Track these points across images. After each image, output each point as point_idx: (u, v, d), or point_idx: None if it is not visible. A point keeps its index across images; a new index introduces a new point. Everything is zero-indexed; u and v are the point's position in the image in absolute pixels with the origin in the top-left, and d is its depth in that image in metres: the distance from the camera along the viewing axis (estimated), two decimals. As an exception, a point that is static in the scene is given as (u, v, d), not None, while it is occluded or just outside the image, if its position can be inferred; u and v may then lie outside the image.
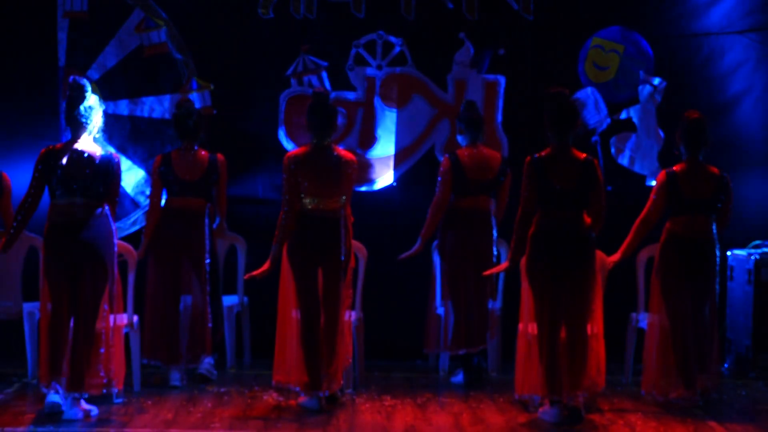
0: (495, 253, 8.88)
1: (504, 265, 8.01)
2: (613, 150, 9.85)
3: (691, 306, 8.13)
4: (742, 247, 9.52)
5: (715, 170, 8.22)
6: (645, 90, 9.82)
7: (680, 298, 8.14)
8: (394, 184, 9.96)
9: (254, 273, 7.98)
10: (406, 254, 9.03)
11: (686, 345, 8.10)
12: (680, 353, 8.11)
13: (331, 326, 7.95)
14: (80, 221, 7.61)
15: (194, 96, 9.78)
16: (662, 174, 8.25)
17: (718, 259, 8.24)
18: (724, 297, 9.42)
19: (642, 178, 9.84)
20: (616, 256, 8.41)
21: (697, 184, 8.15)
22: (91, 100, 7.77)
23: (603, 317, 7.89)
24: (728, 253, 9.48)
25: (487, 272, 8.13)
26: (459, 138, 9.02)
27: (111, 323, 7.76)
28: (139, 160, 9.80)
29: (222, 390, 8.54)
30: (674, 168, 8.23)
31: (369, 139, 9.94)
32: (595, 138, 9.78)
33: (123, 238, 8.94)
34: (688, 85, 9.87)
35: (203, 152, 8.87)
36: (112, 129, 9.77)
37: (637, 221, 8.32)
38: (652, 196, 8.27)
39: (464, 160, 8.87)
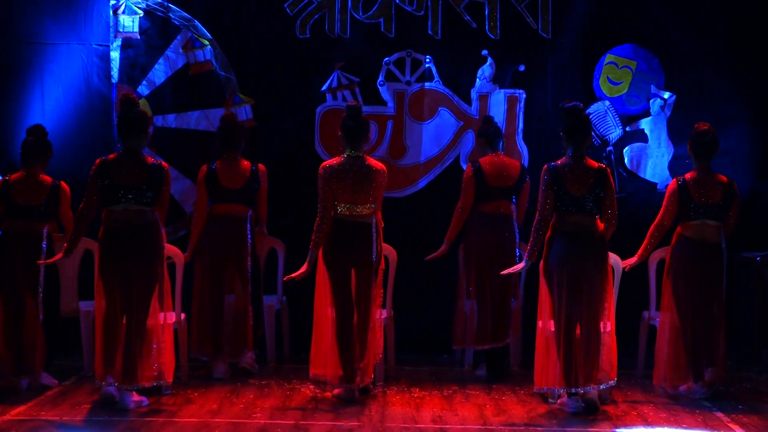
0: (518, 254, 8.85)
1: (520, 265, 7.99)
2: (626, 159, 9.82)
3: (700, 305, 8.13)
4: (748, 250, 9.51)
5: (723, 178, 8.21)
6: (656, 103, 9.81)
7: (690, 297, 8.14)
8: (422, 190, 9.98)
9: (293, 275, 8.00)
10: (432, 255, 9.04)
11: (695, 341, 8.10)
12: (689, 349, 8.11)
13: (364, 323, 7.98)
14: (133, 226, 7.68)
15: (237, 110, 9.80)
16: (673, 182, 8.24)
17: (725, 261, 8.22)
18: (731, 296, 9.32)
19: (653, 186, 9.83)
20: (633, 260, 8.40)
21: (706, 191, 8.15)
22: (141, 114, 7.84)
23: (616, 315, 7.86)
24: (735, 255, 9.45)
25: (504, 272, 8.09)
26: (482, 148, 9.05)
27: (161, 320, 7.82)
28: (185, 170, 9.82)
29: (263, 382, 8.57)
30: (685, 176, 8.22)
31: (398, 150, 9.93)
32: (609, 148, 9.79)
33: (171, 242, 8.95)
34: (697, 98, 9.85)
35: (245, 162, 8.91)
36: (161, 141, 9.83)
37: (652, 227, 8.32)
38: (664, 203, 8.27)
39: (486, 167, 8.89)
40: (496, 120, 9.27)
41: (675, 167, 9.66)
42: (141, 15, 9.86)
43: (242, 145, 8.94)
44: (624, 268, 8.48)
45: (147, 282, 7.72)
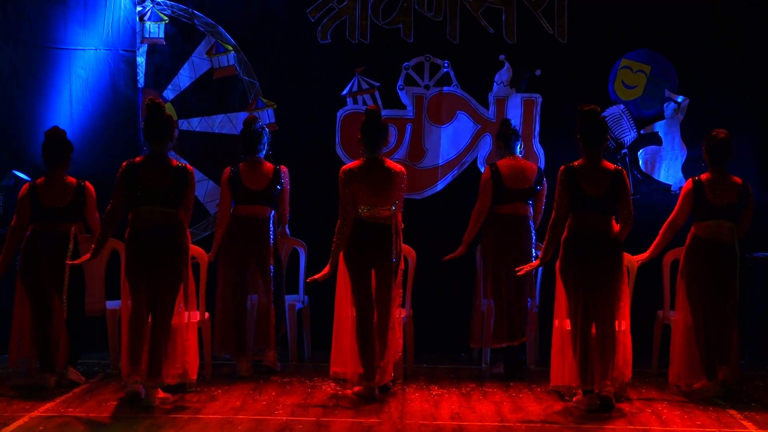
0: (534, 255, 8.82)
1: (535, 263, 7.97)
2: (640, 161, 9.80)
3: (713, 304, 8.09)
4: (760, 250, 9.45)
5: (738, 180, 8.19)
6: (669, 107, 9.78)
7: (703, 297, 8.10)
8: (440, 192, 9.95)
9: (315, 276, 8.00)
10: (450, 256, 9.03)
11: (708, 340, 8.07)
12: (703, 347, 8.07)
13: (383, 323, 7.96)
14: (158, 227, 7.67)
15: (260, 114, 9.82)
16: (689, 182, 8.22)
17: (738, 262, 8.18)
18: (744, 296, 9.33)
19: (667, 187, 9.78)
20: (644, 256, 8.40)
21: (720, 191, 8.12)
22: (167, 117, 7.84)
23: (631, 314, 7.84)
24: (747, 255, 9.40)
25: (520, 271, 8.05)
26: (500, 150, 9.02)
27: (185, 320, 7.83)
28: (209, 172, 9.84)
29: (285, 380, 8.56)
30: (701, 176, 8.20)
31: (417, 152, 9.93)
32: (624, 150, 9.75)
33: (195, 243, 8.95)
34: (710, 101, 9.79)
35: (268, 164, 8.89)
36: (185, 144, 9.88)
37: (665, 225, 8.30)
38: (679, 201, 8.24)
39: (503, 170, 8.85)
40: (513, 123, 9.21)
41: (689, 169, 9.63)
42: (166, 21, 9.92)
43: (265, 147, 8.91)
44: (635, 262, 8.45)
45: (172, 282, 7.71)
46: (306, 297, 9.47)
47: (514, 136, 8.95)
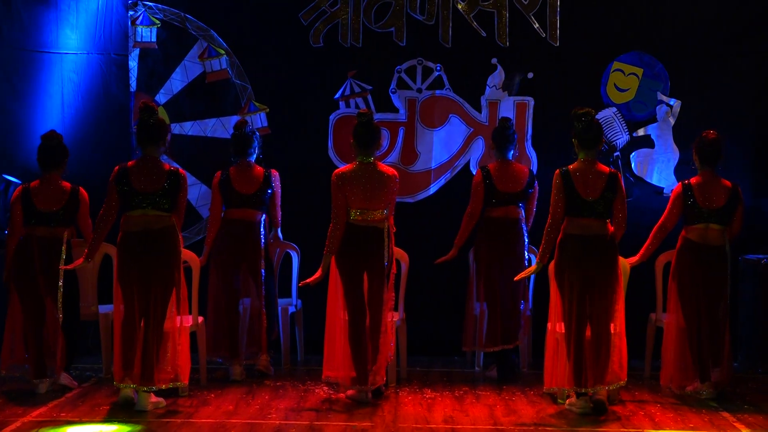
0: (527, 258, 8.84)
1: (532, 268, 7.97)
2: (633, 164, 9.80)
3: (704, 307, 8.10)
4: (753, 252, 9.45)
5: (728, 183, 8.20)
6: (661, 109, 9.79)
7: (695, 299, 8.11)
8: (433, 196, 9.94)
9: (308, 280, 7.99)
10: (442, 259, 9.02)
11: (701, 342, 8.07)
12: (695, 350, 8.08)
13: (376, 326, 7.95)
14: (150, 231, 7.67)
15: (252, 117, 9.81)
16: (679, 185, 8.25)
17: (729, 264, 8.18)
18: (736, 298, 9.33)
19: (660, 190, 9.77)
20: (634, 259, 8.41)
21: (710, 195, 8.13)
22: (160, 121, 7.84)
23: (624, 317, 7.81)
24: (739, 257, 9.40)
25: (518, 277, 8.09)
26: (494, 151, 9.00)
27: (178, 324, 7.81)
28: (202, 176, 9.82)
29: (278, 384, 8.55)
30: (690, 180, 8.21)
31: (410, 156, 9.91)
32: (616, 153, 9.76)
33: (187, 246, 8.95)
34: (703, 102, 9.79)
35: (258, 168, 8.89)
36: (178, 147, 9.84)
37: (655, 228, 8.32)
38: (668, 205, 8.27)
39: (494, 173, 8.85)
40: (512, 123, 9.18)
41: (681, 172, 9.63)
42: (158, 25, 9.90)
43: (257, 151, 8.90)
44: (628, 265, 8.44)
45: (164, 286, 7.71)
46: (299, 300, 9.45)
47: (511, 136, 8.89)
